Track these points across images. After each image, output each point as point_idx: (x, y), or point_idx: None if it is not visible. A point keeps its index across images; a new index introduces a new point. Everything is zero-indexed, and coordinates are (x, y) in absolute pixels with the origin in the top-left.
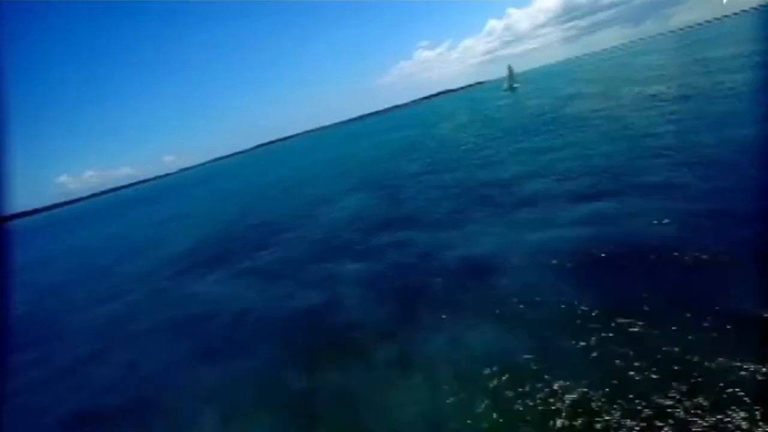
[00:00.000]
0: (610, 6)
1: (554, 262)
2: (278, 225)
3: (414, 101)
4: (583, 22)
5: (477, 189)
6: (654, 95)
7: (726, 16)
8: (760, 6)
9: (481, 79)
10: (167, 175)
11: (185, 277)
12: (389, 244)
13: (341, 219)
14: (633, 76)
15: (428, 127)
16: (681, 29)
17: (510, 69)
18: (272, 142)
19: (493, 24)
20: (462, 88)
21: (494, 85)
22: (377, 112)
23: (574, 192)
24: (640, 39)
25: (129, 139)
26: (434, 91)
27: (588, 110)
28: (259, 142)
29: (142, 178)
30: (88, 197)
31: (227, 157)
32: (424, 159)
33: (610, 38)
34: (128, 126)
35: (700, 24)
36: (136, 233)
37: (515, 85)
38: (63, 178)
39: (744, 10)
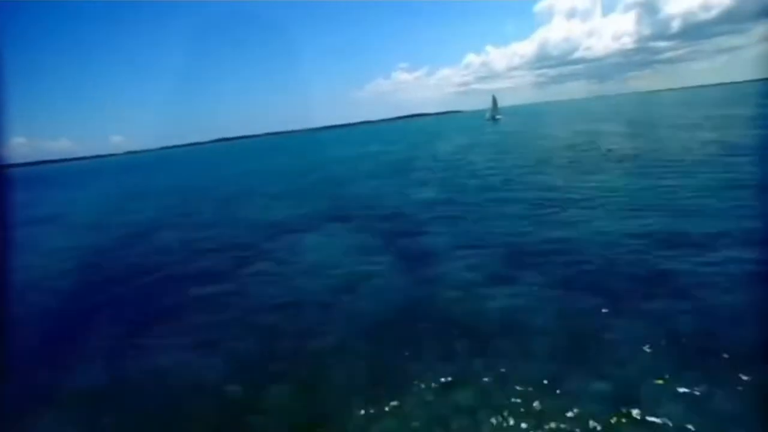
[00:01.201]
0: (578, 61)
1: None
2: (195, 265)
3: (388, 119)
4: (552, 72)
5: (593, 263)
6: (715, 141)
7: (673, 89)
8: (707, 85)
9: (455, 109)
10: (111, 155)
11: None
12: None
13: (313, 275)
14: (655, 122)
15: (416, 145)
16: (640, 92)
17: (494, 99)
18: (232, 138)
19: (471, 58)
20: (436, 113)
21: (471, 114)
22: (349, 124)
23: None
24: (602, 96)
25: (70, 110)
26: (408, 113)
27: (649, 149)
28: (217, 137)
29: (80, 155)
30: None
31: (180, 146)
32: (433, 182)
33: (575, 90)
34: (71, 94)
35: (657, 90)
36: None
37: (497, 116)
38: None
39: (691, 86)
